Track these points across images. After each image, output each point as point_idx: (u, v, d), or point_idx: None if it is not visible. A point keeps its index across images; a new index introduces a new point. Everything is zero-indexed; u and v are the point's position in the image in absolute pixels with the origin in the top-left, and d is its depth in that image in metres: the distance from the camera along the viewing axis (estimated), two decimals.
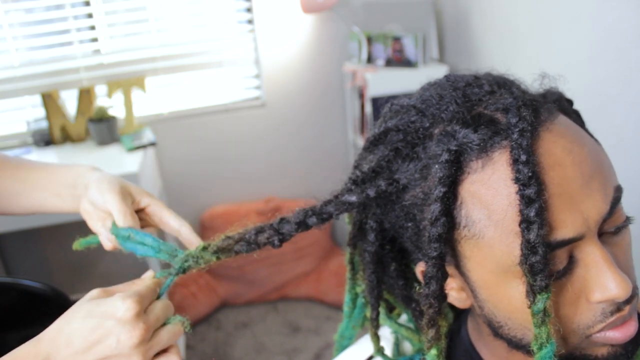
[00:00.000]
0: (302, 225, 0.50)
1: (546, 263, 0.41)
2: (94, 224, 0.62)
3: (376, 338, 0.62)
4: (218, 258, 0.53)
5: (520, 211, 0.41)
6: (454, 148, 0.44)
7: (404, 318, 0.68)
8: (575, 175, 0.43)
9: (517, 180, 0.42)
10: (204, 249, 0.53)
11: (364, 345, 0.67)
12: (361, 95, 2.06)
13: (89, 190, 0.62)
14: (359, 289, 0.63)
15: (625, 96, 1.17)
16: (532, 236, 0.40)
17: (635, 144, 1.16)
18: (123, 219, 0.58)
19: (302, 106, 2.32)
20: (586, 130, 0.50)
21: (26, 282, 1.13)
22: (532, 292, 0.42)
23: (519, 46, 1.57)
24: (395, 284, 0.61)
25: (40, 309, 1.11)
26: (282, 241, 0.51)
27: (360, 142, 2.17)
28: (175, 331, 0.52)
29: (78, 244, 0.62)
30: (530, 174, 0.41)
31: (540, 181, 0.41)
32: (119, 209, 0.58)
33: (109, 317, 0.47)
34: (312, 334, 2.13)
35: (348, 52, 2.17)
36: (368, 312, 0.63)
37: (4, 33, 1.95)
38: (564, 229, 0.42)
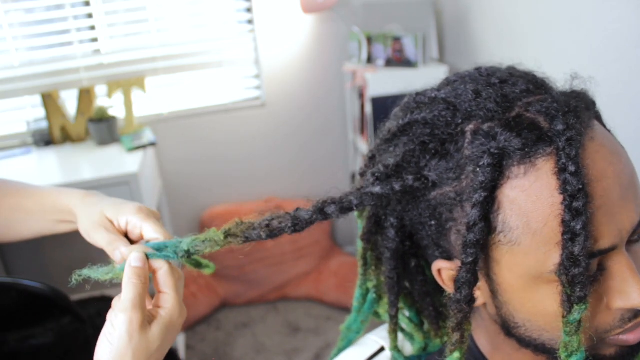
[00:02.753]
0: (320, 213, 0.48)
1: (587, 275, 0.40)
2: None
3: (394, 335, 0.61)
4: (228, 242, 0.50)
5: (564, 222, 0.40)
6: (496, 151, 0.43)
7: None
8: (615, 187, 0.42)
9: (564, 191, 0.40)
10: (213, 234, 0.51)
11: (364, 346, 0.67)
12: (361, 95, 2.06)
13: (83, 234, 0.61)
14: (370, 285, 0.62)
15: (625, 96, 1.17)
16: (576, 249, 0.40)
17: (635, 144, 1.16)
18: (112, 252, 0.57)
19: (302, 106, 2.32)
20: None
21: (26, 282, 1.13)
22: (569, 303, 0.41)
23: (519, 46, 1.57)
24: (415, 280, 0.60)
25: (40, 309, 1.11)
26: (295, 227, 0.48)
27: (361, 142, 2.17)
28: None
29: None
30: (580, 186, 0.40)
31: (588, 193, 0.41)
32: (106, 247, 0.58)
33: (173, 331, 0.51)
34: (312, 334, 2.13)
35: (348, 52, 2.17)
36: (380, 308, 0.63)
37: (4, 33, 1.95)
38: (601, 240, 0.42)
